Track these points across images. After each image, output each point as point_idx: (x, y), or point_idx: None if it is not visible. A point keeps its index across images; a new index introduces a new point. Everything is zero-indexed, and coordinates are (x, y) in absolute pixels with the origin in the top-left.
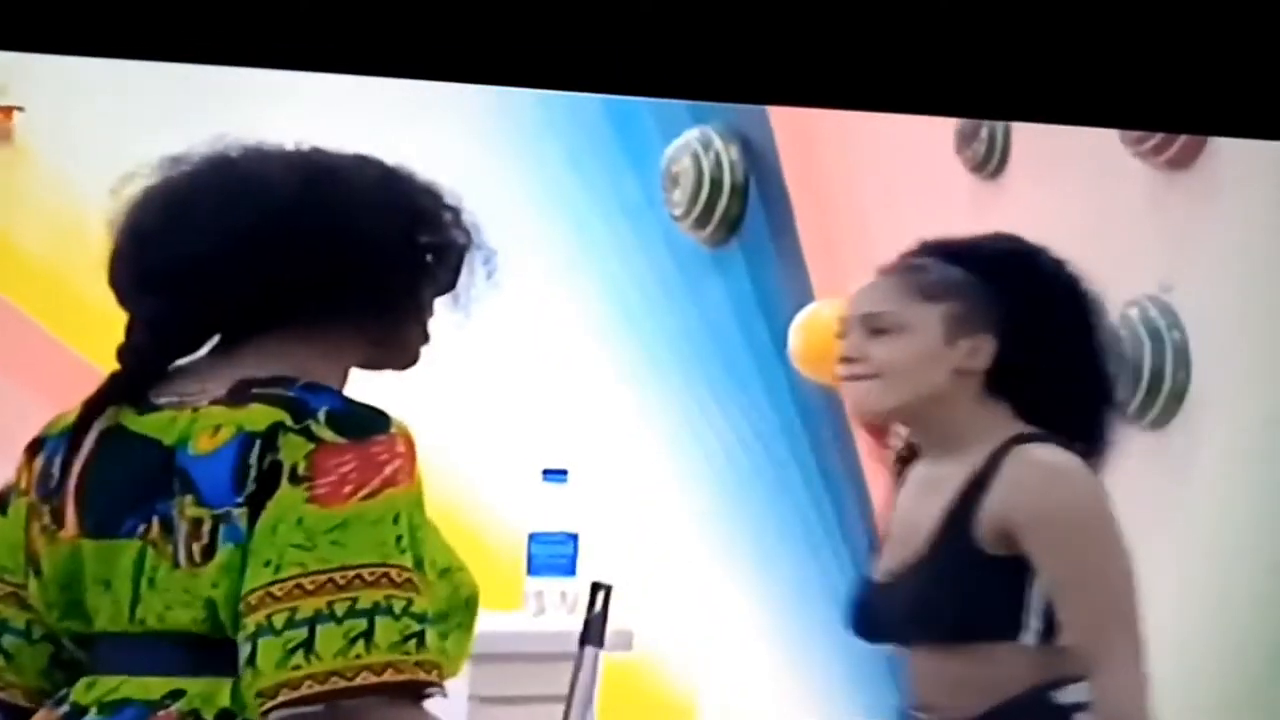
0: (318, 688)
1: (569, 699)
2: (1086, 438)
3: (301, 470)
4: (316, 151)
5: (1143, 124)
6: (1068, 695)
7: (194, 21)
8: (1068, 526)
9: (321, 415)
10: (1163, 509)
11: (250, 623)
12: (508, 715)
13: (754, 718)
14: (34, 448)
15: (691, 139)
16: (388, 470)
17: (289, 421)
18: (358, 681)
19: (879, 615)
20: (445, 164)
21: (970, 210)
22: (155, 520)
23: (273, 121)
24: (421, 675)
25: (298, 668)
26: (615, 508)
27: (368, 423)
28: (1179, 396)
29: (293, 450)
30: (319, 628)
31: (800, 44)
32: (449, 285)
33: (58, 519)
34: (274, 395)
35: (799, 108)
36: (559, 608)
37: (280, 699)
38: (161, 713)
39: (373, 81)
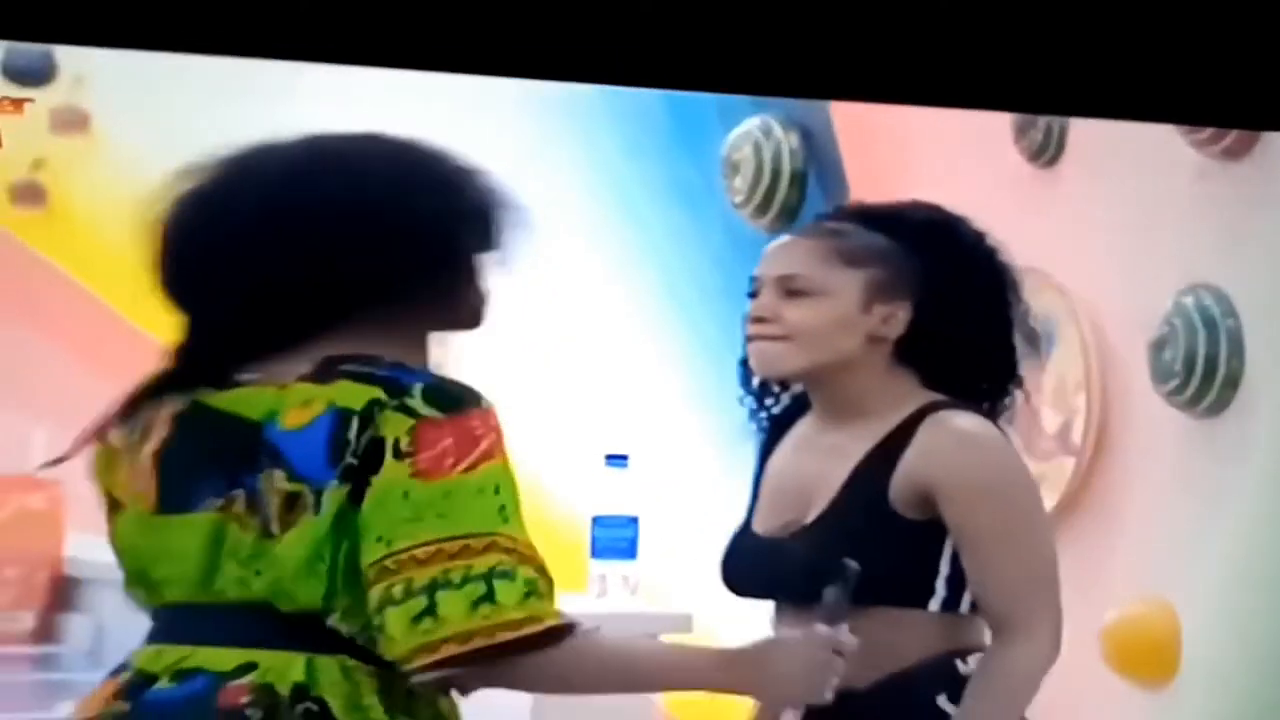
0: (458, 649)
1: None
2: (990, 409)
3: (404, 446)
4: (327, 137)
5: (1198, 119)
6: (974, 666)
7: (261, 16)
8: (991, 491)
9: (417, 391)
10: (1216, 496)
11: (373, 597)
12: (571, 696)
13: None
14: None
15: (752, 127)
16: (484, 444)
17: (384, 398)
18: (499, 638)
19: (762, 570)
20: (506, 155)
21: (1026, 198)
22: (241, 493)
23: (334, 116)
24: (557, 622)
25: (428, 632)
26: (675, 492)
27: (461, 398)
28: (1233, 384)
29: (393, 426)
30: (438, 594)
31: (857, 40)
32: (488, 245)
33: (140, 495)
34: (364, 373)
35: (855, 102)
36: (621, 590)
37: (418, 663)
38: (233, 684)
39: (433, 77)
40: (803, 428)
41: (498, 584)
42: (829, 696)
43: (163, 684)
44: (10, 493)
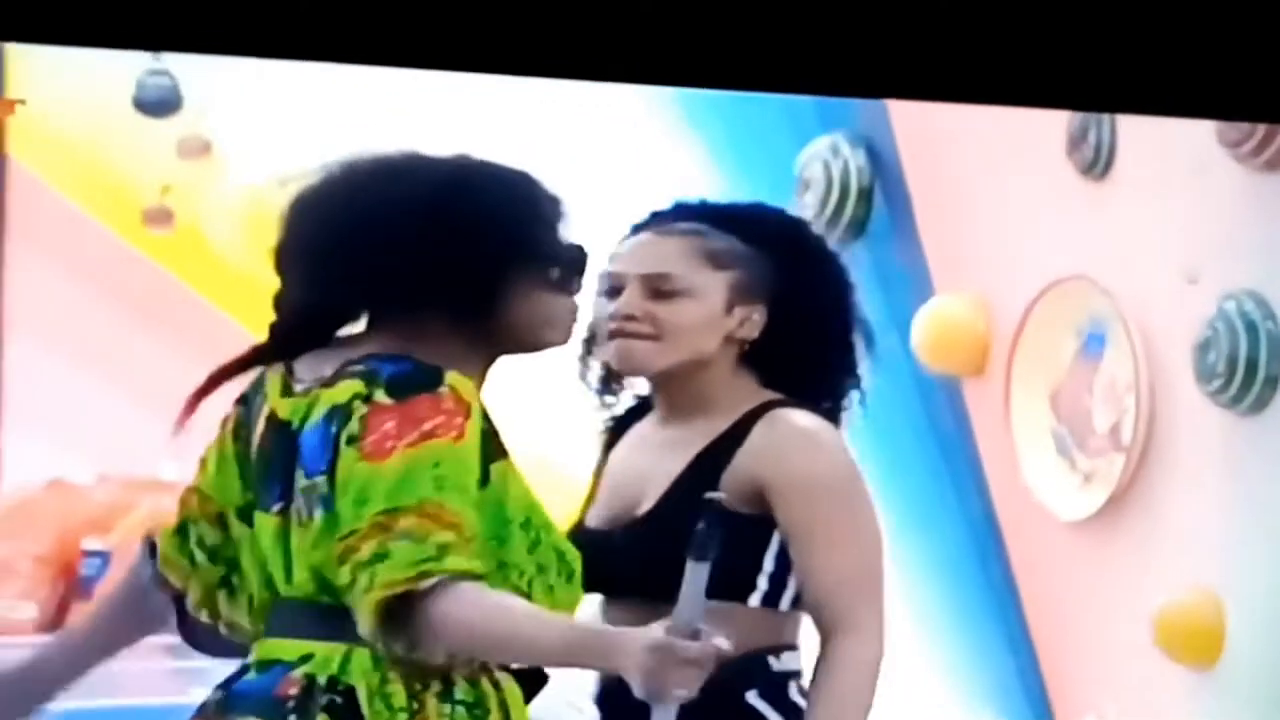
0: (382, 594)
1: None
2: (828, 408)
3: (355, 432)
4: (462, 159)
5: (1248, 116)
6: (786, 663)
7: (371, 26)
8: (821, 489)
9: (383, 380)
10: (1258, 489)
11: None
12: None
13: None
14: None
15: (822, 147)
16: (427, 425)
17: (363, 390)
18: (395, 590)
19: (589, 565)
20: (583, 160)
21: (1078, 210)
22: (293, 495)
23: (434, 121)
24: (449, 572)
25: (364, 597)
26: None
27: (417, 383)
28: (1273, 384)
29: (356, 415)
30: (376, 566)
31: (917, 40)
32: (564, 284)
33: (251, 488)
34: (358, 370)
35: (915, 101)
36: None
37: (374, 634)
38: (291, 674)
39: (515, 81)
40: (643, 425)
41: (398, 545)
42: (680, 697)
43: (250, 675)
44: (145, 494)
